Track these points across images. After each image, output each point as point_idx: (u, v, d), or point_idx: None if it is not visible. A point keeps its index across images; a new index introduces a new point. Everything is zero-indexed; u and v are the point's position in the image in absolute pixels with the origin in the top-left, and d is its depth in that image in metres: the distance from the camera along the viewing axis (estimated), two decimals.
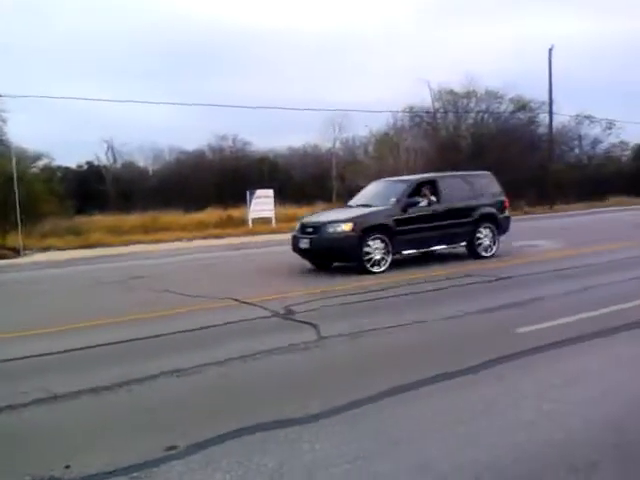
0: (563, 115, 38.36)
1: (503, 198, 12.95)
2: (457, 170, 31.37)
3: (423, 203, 11.61)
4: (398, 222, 11.06)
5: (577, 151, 42.92)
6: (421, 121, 36.53)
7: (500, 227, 12.50)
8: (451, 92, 35.06)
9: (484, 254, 11.97)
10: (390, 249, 10.83)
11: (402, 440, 3.53)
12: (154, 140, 58.87)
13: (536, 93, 36.26)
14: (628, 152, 44.72)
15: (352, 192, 37.43)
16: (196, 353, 5.61)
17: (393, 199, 11.41)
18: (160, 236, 23.03)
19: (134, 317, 7.59)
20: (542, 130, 36.91)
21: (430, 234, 11.37)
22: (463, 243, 12.06)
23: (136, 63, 68.86)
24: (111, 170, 49.15)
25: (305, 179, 49.92)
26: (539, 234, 16.62)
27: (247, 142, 52.73)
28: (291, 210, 32.72)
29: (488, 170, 33.50)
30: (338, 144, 53.74)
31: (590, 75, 62.15)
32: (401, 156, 32.00)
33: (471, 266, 10.87)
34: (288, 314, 7.21)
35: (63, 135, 55.67)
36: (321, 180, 48.68)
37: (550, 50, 32.60)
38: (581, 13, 74.65)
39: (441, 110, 36.19)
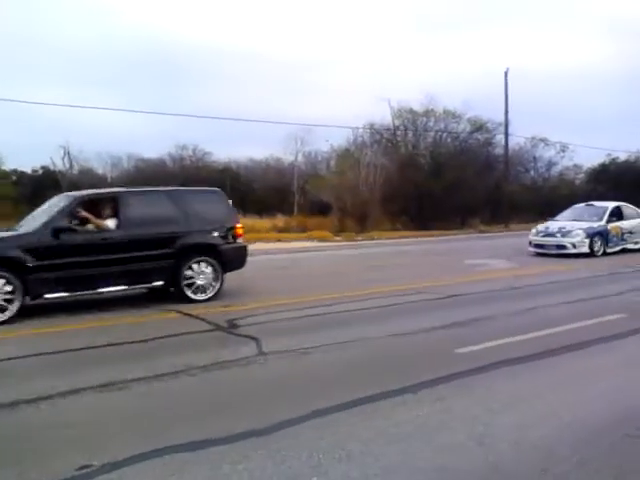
0: (519, 137, 39.38)
1: (233, 223, 10.05)
2: (419, 187, 32.37)
3: (90, 227, 8.77)
4: (40, 254, 8.04)
5: (532, 173, 44.02)
6: (381, 138, 36.85)
7: (227, 261, 9.60)
8: (410, 111, 35.54)
9: (197, 297, 9.09)
10: (21, 291, 7.83)
11: (330, 464, 3.41)
12: (112, 148, 57.82)
13: (493, 114, 37.03)
14: (581, 175, 46.11)
15: (313, 205, 37.88)
16: (127, 366, 5.39)
17: (43, 220, 8.50)
18: None
19: None
20: (498, 151, 37.78)
21: (96, 271, 8.42)
22: (159, 282, 9.08)
23: (97, 70, 67.76)
24: (67, 176, 47.97)
25: (267, 191, 49.84)
26: (492, 253, 16.84)
27: (207, 152, 52.48)
28: (251, 221, 32.58)
29: (448, 188, 33.93)
30: (300, 158, 53.90)
31: (545, 99, 64.02)
32: (361, 172, 32.08)
33: (423, 284, 10.89)
34: (231, 328, 7.04)
35: (17, 138, 54.14)
36: (283, 193, 48.66)
37: (506, 73, 33.48)
38: (538, 38, 77.13)
39: (401, 128, 36.64)
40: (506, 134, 34.76)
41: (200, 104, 56.47)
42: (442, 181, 32.07)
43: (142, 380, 5.00)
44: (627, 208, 18.05)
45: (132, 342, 6.42)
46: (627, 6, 69.99)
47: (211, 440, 3.70)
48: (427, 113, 35.98)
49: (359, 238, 26.68)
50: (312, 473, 3.30)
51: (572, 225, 16.59)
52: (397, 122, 37.19)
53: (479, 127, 36.81)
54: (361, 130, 36.11)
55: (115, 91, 61.63)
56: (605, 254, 16.15)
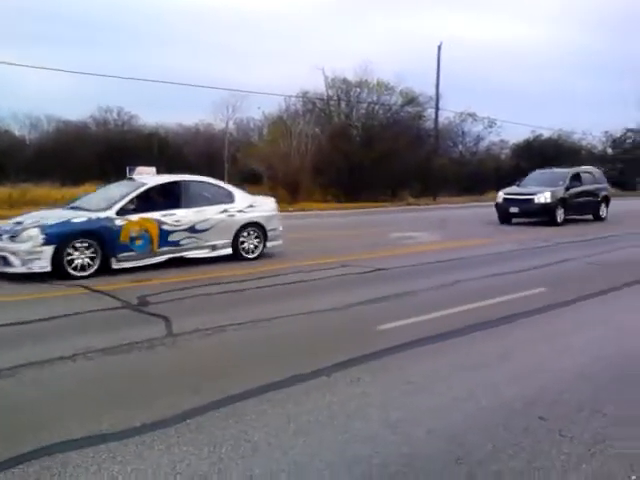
0: (449, 111, 39.93)
1: None
2: (350, 158, 32.21)
3: None
4: None
5: (460, 147, 44.85)
6: (314, 107, 36.33)
7: None
8: (344, 80, 35.17)
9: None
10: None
11: (232, 459, 3.12)
12: (30, 109, 54.39)
13: (426, 88, 37.22)
14: (507, 150, 47.42)
15: (244, 174, 37.04)
16: (16, 351, 4.87)
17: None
18: (27, 211, 21.10)
19: None
20: (429, 124, 38.13)
21: None
22: None
23: (12, 25, 63.11)
24: None
25: (197, 158, 48.33)
26: (418, 226, 16.93)
27: (133, 115, 50.25)
28: None
29: (378, 160, 34.16)
30: (232, 125, 52.62)
31: (476, 74, 65.25)
32: (293, 141, 31.55)
33: (349, 257, 10.70)
34: (141, 305, 6.59)
35: None
36: (213, 160, 47.36)
37: (439, 47, 33.64)
38: (471, 15, 78.13)
39: (334, 98, 36.22)
40: (437, 108, 35.10)
41: (126, 66, 54.05)
42: (373, 153, 32.01)
43: (33, 365, 4.51)
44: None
45: (29, 322, 5.87)
46: None
47: (100, 436, 3.33)
48: (360, 84, 35.72)
49: (290, 209, 26.30)
50: (211, 471, 3.00)
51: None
52: (331, 92, 36.79)
53: (411, 100, 36.92)
54: (294, 99, 35.52)
55: (33, 49, 57.78)
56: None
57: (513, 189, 19.04)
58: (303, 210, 25.98)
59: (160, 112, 51.32)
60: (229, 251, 10.04)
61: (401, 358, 4.83)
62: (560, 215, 17.67)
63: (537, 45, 78.68)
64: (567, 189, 18.13)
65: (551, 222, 17.41)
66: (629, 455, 3.22)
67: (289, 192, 29.84)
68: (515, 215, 18.09)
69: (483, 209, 26.55)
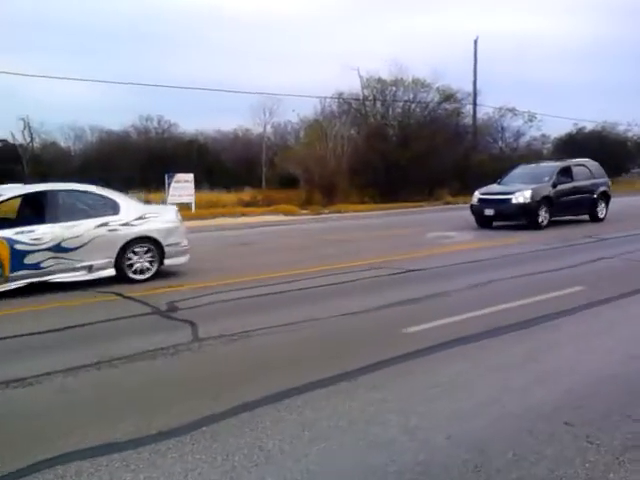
0: (487, 107, 39.13)
1: None
2: (386, 158, 31.96)
3: None
4: None
5: (500, 143, 43.92)
6: (349, 108, 36.20)
7: None
8: (379, 80, 34.90)
9: None
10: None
11: (245, 468, 3.10)
12: (74, 120, 55.99)
13: (463, 84, 36.60)
14: (549, 145, 46.25)
15: (281, 178, 37.18)
16: (43, 359, 4.98)
17: None
18: None
19: None
20: (467, 121, 37.50)
21: None
22: None
23: (57, 39, 65.28)
24: (28, 149, 46.43)
25: (235, 163, 48.88)
26: (456, 225, 16.64)
27: (173, 123, 51.26)
28: (217, 196, 31.89)
29: (416, 159, 33.78)
30: (269, 129, 53.01)
31: (515, 68, 63.91)
32: (329, 143, 31.51)
33: (382, 259, 10.60)
34: (169, 311, 6.65)
35: None
36: (251, 165, 47.80)
37: (475, 41, 33.12)
38: (508, 9, 76.58)
39: (369, 98, 36.02)
40: (474, 104, 34.52)
41: (165, 74, 55.09)
42: (410, 152, 31.66)
43: (58, 374, 4.59)
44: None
45: (58, 330, 5.99)
46: None
47: (115, 444, 3.35)
48: (396, 82, 35.36)
49: (326, 211, 26.30)
50: None
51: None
52: (366, 92, 36.57)
53: (448, 97, 36.33)
54: (329, 100, 35.49)
55: (76, 61, 59.62)
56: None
57: (490, 188, 16.85)
58: (339, 212, 25.92)
59: (199, 119, 52.33)
60: (112, 272, 8.42)
61: (426, 362, 4.73)
62: (543, 217, 15.29)
63: (576, 37, 76.57)
64: (554, 186, 15.72)
65: (532, 225, 15.12)
66: None
67: (325, 194, 29.82)
68: (491, 218, 15.83)
69: None
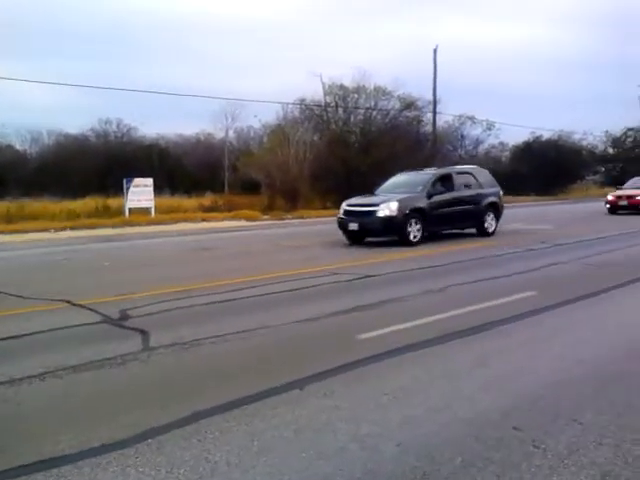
0: (447, 115, 39.80)
1: None
2: (348, 164, 32.08)
3: None
4: None
5: (460, 151, 44.70)
6: (312, 114, 36.28)
7: None
8: (341, 87, 35.09)
9: None
10: None
11: (191, 479, 3.02)
12: (31, 123, 54.68)
13: (424, 92, 37.09)
14: (507, 153, 47.27)
15: (244, 183, 36.94)
16: None
17: None
18: (25, 226, 21.12)
19: None
20: (428, 129, 38.01)
21: None
22: None
23: (19, 40, 63.62)
24: None
25: (197, 168, 48.39)
26: None
27: (133, 127, 50.45)
28: (178, 201, 31.49)
29: (377, 165, 33.80)
30: (232, 134, 52.73)
31: (474, 77, 65.17)
32: (291, 149, 31.49)
33: (340, 264, 10.60)
34: (121, 319, 6.48)
35: None
36: (213, 170, 47.38)
37: (435, 50, 33.62)
38: (468, 19, 78.14)
39: (331, 104, 36.16)
40: (434, 112, 35.02)
41: (126, 78, 54.24)
42: (371, 158, 31.88)
43: None
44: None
45: (3, 339, 5.77)
46: None
47: (54, 459, 3.22)
48: (358, 90, 35.62)
49: (288, 217, 26.26)
50: None
51: None
52: (328, 99, 36.70)
53: (409, 105, 36.76)
54: (292, 106, 35.50)
55: (34, 63, 58.12)
56: None
57: (359, 199, 14.98)
58: (302, 217, 25.92)
59: (160, 123, 51.61)
60: None
61: (378, 368, 4.71)
62: (414, 232, 13.30)
63: (535, 47, 78.66)
64: (429, 196, 13.85)
65: (403, 241, 13.16)
66: (601, 464, 3.10)
67: (287, 200, 29.79)
68: (357, 234, 13.92)
69: None
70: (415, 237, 13.37)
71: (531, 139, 45.91)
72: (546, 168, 41.14)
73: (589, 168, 50.71)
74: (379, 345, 5.28)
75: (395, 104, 36.32)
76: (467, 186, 15.11)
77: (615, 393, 4.11)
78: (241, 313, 6.81)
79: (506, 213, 16.96)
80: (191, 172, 47.46)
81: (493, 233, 15.28)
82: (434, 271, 9.83)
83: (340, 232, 14.56)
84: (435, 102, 34.50)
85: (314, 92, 36.11)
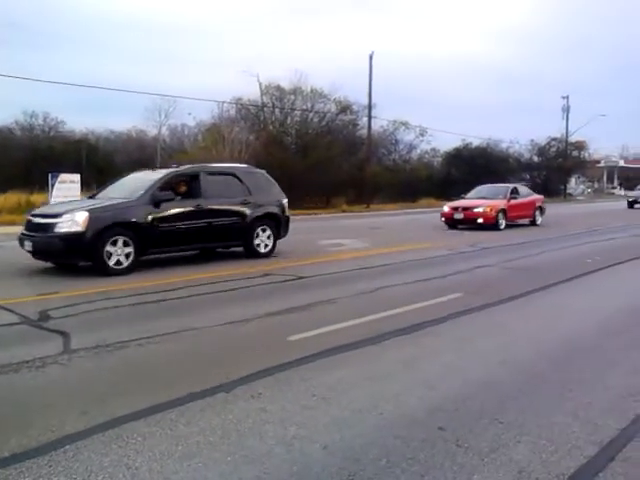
0: (381, 119, 40.46)
1: None
2: (284, 166, 32.03)
3: None
4: None
5: (394, 155, 45.56)
6: (248, 114, 36.07)
7: None
8: (278, 87, 35.08)
9: None
10: None
11: None
12: None
13: (360, 97, 37.59)
14: (439, 158, 48.58)
15: None
16: None
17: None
18: None
19: None
20: (363, 133, 38.50)
21: None
22: None
23: None
24: None
25: (128, 165, 46.95)
26: (349, 233, 16.96)
27: (60, 121, 48.39)
28: None
29: (313, 167, 33.76)
30: (165, 131, 51.61)
31: (408, 86, 66.69)
32: (226, 148, 31.14)
33: (272, 265, 10.54)
34: (40, 320, 6.18)
35: None
36: (145, 167, 46.16)
37: (370, 57, 34.06)
38: (404, 29, 79.86)
39: (268, 105, 36.07)
40: (369, 116, 35.48)
41: (53, 70, 51.97)
42: (307, 160, 32.06)
43: None
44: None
45: None
46: (490, 10, 74.67)
47: None
48: (295, 91, 35.74)
49: None
50: None
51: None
52: (265, 99, 36.62)
53: (344, 108, 37.22)
54: (227, 105, 35.16)
55: None
56: None
57: (50, 207, 12.71)
58: None
59: (91, 118, 49.80)
60: None
61: (307, 370, 4.69)
62: (117, 256, 9.42)
63: (469, 59, 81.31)
64: (156, 204, 10.09)
65: (97, 268, 9.37)
66: (519, 461, 3.20)
67: None
68: (35, 255, 9.88)
69: (415, 215, 27.10)
70: (120, 263, 9.53)
71: (461, 146, 47.37)
72: (476, 173, 42.54)
73: (516, 175, 52.81)
74: (309, 347, 5.27)
75: (331, 107, 36.73)
76: (226, 191, 11.42)
77: (534, 393, 4.26)
78: (169, 315, 6.64)
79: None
80: (122, 169, 45.88)
81: (269, 254, 11.80)
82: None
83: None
84: (370, 107, 35.02)
85: (251, 92, 35.98)
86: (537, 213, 21.25)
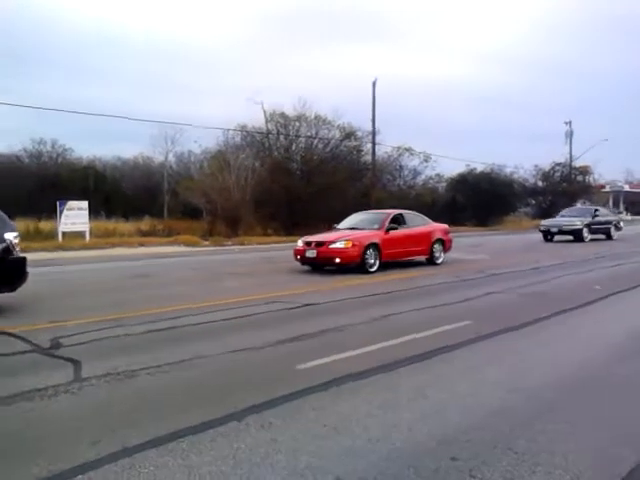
0: (386, 145, 40.77)
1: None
2: (289, 192, 32.13)
3: None
4: None
5: (399, 180, 45.75)
6: (253, 141, 36.41)
7: None
8: (282, 115, 35.46)
9: None
10: None
11: None
12: None
13: (364, 123, 37.94)
14: (443, 184, 48.70)
15: (184, 208, 36.39)
16: None
17: None
18: None
19: None
20: (368, 158, 38.74)
21: None
22: None
23: None
24: None
25: (135, 192, 47.40)
26: None
27: (68, 148, 48.99)
28: (114, 225, 30.63)
29: (317, 193, 34.07)
30: (172, 158, 52.08)
31: (413, 111, 67.35)
32: (232, 175, 31.37)
33: (280, 292, 10.56)
34: (52, 348, 6.21)
35: None
36: (152, 194, 46.55)
37: (374, 83, 34.46)
38: (403, 56, 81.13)
39: (273, 132, 36.42)
40: (373, 142, 35.78)
41: (62, 98, 52.77)
42: (312, 186, 32.25)
43: None
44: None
45: None
46: (489, 36, 75.82)
47: None
48: (299, 118, 36.09)
49: (228, 243, 26.04)
50: None
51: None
52: (270, 126, 36.99)
53: (349, 134, 37.51)
54: (233, 132, 35.52)
55: None
56: None
57: None
58: (242, 244, 25.75)
59: (98, 146, 50.42)
60: None
61: (317, 399, 4.68)
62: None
63: (469, 84, 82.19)
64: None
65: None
66: None
67: (228, 225, 29.59)
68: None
69: None
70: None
71: (466, 171, 47.54)
72: (481, 199, 42.65)
73: (521, 200, 52.84)
74: (319, 375, 5.26)
75: (335, 134, 37.00)
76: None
77: (547, 421, 4.24)
78: (179, 342, 6.64)
79: None
80: (129, 196, 46.45)
81: None
82: None
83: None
84: (374, 133, 35.34)
85: (255, 119, 36.36)
86: (436, 248, 15.72)
